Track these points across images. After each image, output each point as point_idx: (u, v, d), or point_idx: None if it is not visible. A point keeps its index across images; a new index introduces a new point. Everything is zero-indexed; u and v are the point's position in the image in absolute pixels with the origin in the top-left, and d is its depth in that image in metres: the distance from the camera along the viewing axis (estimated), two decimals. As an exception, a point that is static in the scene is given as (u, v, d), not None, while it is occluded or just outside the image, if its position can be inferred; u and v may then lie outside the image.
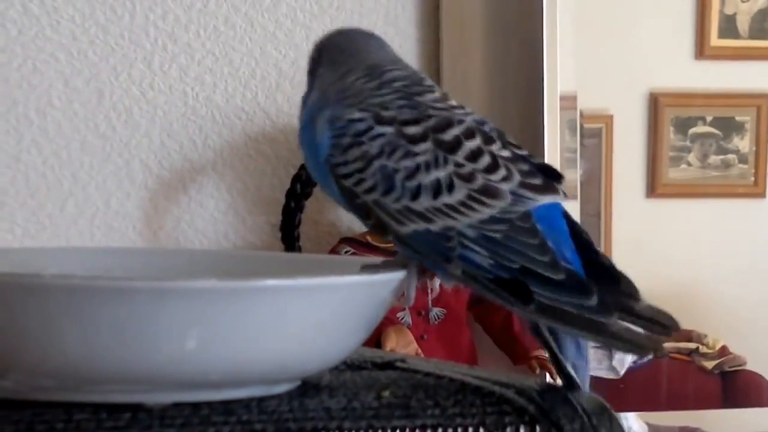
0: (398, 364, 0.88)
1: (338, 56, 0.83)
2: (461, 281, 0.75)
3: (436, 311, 1.59)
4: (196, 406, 0.71)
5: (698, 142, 2.16)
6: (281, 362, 0.72)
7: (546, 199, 0.75)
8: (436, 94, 0.80)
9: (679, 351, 2.03)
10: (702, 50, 2.16)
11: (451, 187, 0.75)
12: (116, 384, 0.69)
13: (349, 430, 0.71)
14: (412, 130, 0.76)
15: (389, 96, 0.79)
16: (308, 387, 0.78)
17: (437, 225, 0.75)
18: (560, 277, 0.73)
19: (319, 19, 1.47)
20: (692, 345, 2.04)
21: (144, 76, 1.45)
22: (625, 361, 1.83)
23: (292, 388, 0.77)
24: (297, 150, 1.48)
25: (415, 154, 0.76)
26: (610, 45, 2.03)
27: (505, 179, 0.75)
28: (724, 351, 2.02)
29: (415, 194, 0.76)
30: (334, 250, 1.52)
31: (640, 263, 2.11)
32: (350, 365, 0.85)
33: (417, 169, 0.76)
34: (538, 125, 1.39)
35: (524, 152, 0.78)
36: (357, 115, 0.77)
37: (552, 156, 1.36)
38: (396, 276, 0.75)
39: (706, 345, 2.00)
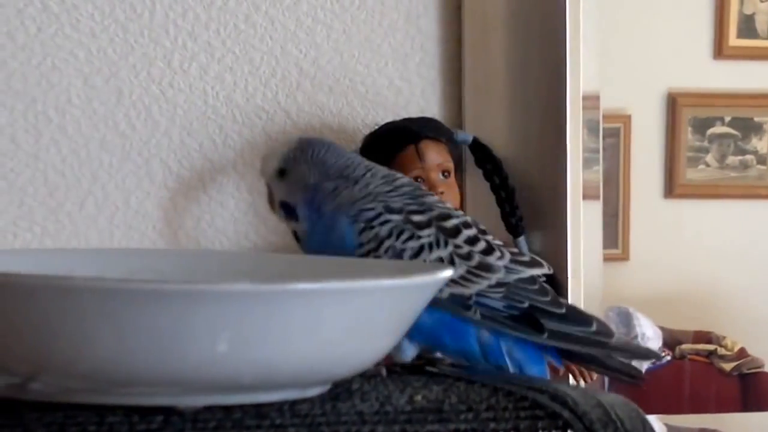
0: (428, 368, 0.87)
1: (314, 163, 0.99)
2: (481, 324, 0.90)
3: None
4: (227, 409, 0.71)
5: (716, 143, 2.15)
6: (313, 365, 0.71)
7: (533, 270, 0.93)
8: (436, 197, 0.97)
9: (697, 353, 2.02)
10: (720, 50, 2.15)
11: (452, 264, 0.90)
12: (148, 386, 0.69)
13: None
14: (417, 218, 0.92)
15: (399, 196, 0.94)
16: (339, 390, 0.78)
17: (446, 293, 0.89)
18: (562, 311, 0.91)
19: (340, 18, 1.46)
20: (711, 347, 2.03)
21: (164, 74, 1.44)
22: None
23: (323, 391, 0.77)
24: None
25: (420, 237, 0.91)
26: (628, 44, 2.02)
27: (498, 258, 0.92)
28: (742, 353, 2.01)
29: None
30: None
31: (657, 264, 2.10)
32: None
33: (421, 249, 0.91)
34: (561, 125, 1.37)
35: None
36: (368, 205, 0.93)
37: (574, 156, 1.35)
38: (431, 279, 0.74)
39: (725, 347, 1.99)
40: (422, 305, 0.75)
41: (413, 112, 1.46)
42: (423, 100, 1.48)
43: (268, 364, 0.69)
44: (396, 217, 0.93)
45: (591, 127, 1.38)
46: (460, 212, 0.97)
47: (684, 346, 2.00)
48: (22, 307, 0.65)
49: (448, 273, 0.75)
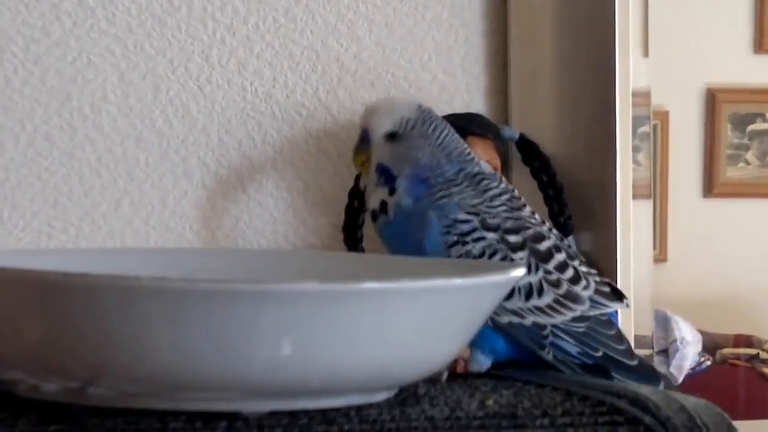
0: (494, 371, 0.85)
1: (429, 140, 0.98)
2: (552, 365, 0.90)
3: None
4: (292, 414, 0.69)
5: (757, 140, 2.11)
6: (382, 369, 0.69)
7: (615, 306, 0.94)
8: (528, 208, 0.98)
9: (738, 357, 1.99)
10: (761, 44, 2.11)
11: (540, 292, 0.90)
12: (212, 391, 0.67)
13: None
14: (512, 238, 0.92)
15: (499, 206, 0.95)
16: (406, 395, 0.76)
17: (528, 321, 0.88)
18: (634, 363, 0.91)
19: (382, 11, 1.44)
20: (752, 351, 1.99)
21: (201, 70, 1.42)
22: (683, 367, 1.79)
23: (389, 396, 0.74)
24: None
25: (512, 260, 0.90)
26: (664, 39, 1.98)
27: (584, 288, 0.92)
28: (786, 357, 1.98)
29: (509, 295, 0.87)
30: (397, 251, 1.49)
31: (696, 266, 2.06)
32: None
33: None
34: (610, 121, 1.34)
35: (592, 269, 0.96)
36: (462, 216, 0.92)
37: (624, 153, 1.32)
38: (504, 278, 0.72)
39: (767, 351, 1.95)
40: (494, 305, 0.72)
41: (458, 108, 1.43)
42: (467, 96, 1.45)
43: (336, 368, 0.67)
44: (491, 236, 0.91)
45: (641, 125, 1.35)
46: (549, 228, 0.97)
47: (725, 351, 1.96)
48: (84, 308, 0.63)
49: (520, 272, 0.72)
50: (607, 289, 0.94)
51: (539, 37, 1.41)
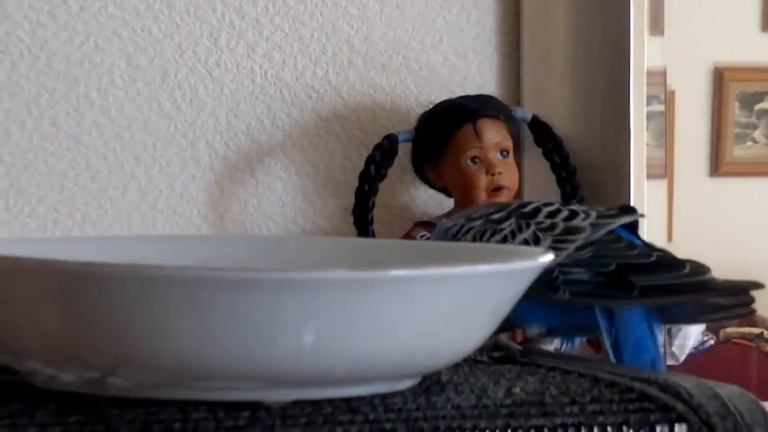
0: (519, 357, 0.83)
1: None
2: (570, 303, 0.88)
3: None
4: (315, 403, 0.68)
5: (765, 119, 2.10)
6: (409, 357, 0.68)
7: (623, 219, 0.90)
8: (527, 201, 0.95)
9: (742, 336, 1.98)
10: (769, 22, 2.10)
11: (537, 241, 0.89)
12: (234, 380, 0.66)
13: (484, 429, 0.66)
14: (496, 215, 0.92)
15: (484, 207, 0.94)
16: (430, 383, 0.74)
17: None
18: (652, 260, 0.87)
19: (392, -8, 1.43)
20: (756, 330, 1.98)
21: (210, 53, 1.42)
22: (685, 346, 1.78)
23: (414, 384, 0.73)
24: (370, 130, 1.44)
25: (501, 230, 0.91)
26: (672, 17, 1.96)
27: (584, 219, 0.90)
28: (790, 336, 1.97)
29: None
30: (408, 234, 1.48)
31: (701, 244, 2.06)
32: (466, 358, 0.81)
33: (504, 239, 0.91)
34: (624, 101, 1.33)
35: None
36: (450, 223, 0.94)
37: (638, 134, 1.31)
38: (533, 264, 0.70)
39: (771, 330, 1.94)
40: (521, 291, 0.71)
41: (469, 90, 1.43)
42: (479, 77, 1.44)
43: (361, 356, 0.66)
44: (477, 223, 0.92)
45: (648, 104, 1.34)
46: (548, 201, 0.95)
47: (728, 330, 1.96)
48: (105, 298, 0.61)
49: (548, 257, 0.70)
50: (613, 210, 0.92)
51: (552, 17, 1.40)
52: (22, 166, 1.40)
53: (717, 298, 0.90)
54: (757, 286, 0.89)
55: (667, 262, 0.88)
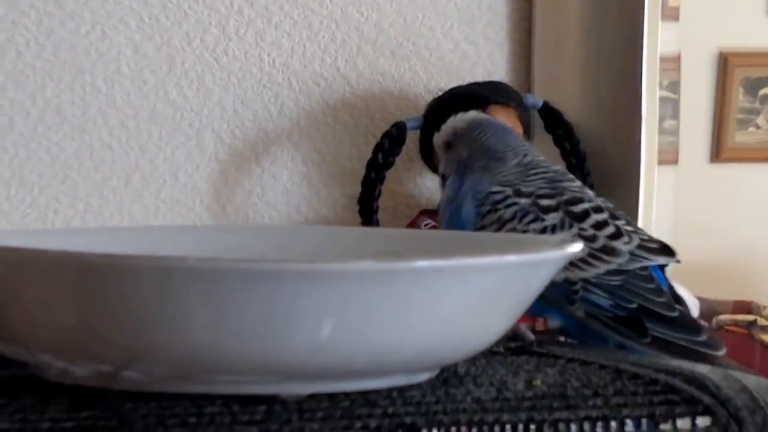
0: (535, 348, 0.82)
1: (490, 155, 0.97)
2: (583, 321, 0.88)
3: None
4: (332, 397, 0.66)
5: (768, 104, 2.08)
6: (430, 349, 0.66)
7: (661, 260, 0.89)
8: (578, 183, 0.94)
9: (736, 323, 1.97)
10: (775, 6, 2.08)
11: None
12: (249, 374, 0.64)
13: (507, 423, 0.65)
14: (545, 201, 0.90)
15: (537, 180, 0.93)
16: (447, 375, 0.73)
17: (560, 276, 0.86)
18: (674, 314, 0.87)
19: (402, -22, 1.42)
20: (750, 317, 1.97)
21: (218, 41, 1.40)
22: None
23: (431, 376, 0.71)
24: (378, 118, 1.42)
25: (544, 220, 0.89)
26: (681, 2, 1.95)
27: (625, 243, 0.89)
28: (784, 323, 1.95)
29: None
30: (413, 223, 1.46)
31: (701, 231, 2.04)
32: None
33: (544, 231, 0.90)
34: (637, 87, 1.32)
35: (647, 233, 0.92)
36: (496, 188, 0.92)
37: (650, 121, 1.30)
38: (560, 254, 0.69)
39: (766, 317, 1.93)
40: (546, 282, 0.69)
41: (480, 76, 1.42)
42: (490, 63, 1.43)
43: (382, 349, 0.64)
44: (524, 201, 0.91)
45: (670, 91, 1.33)
46: (600, 199, 0.94)
47: (722, 317, 1.95)
48: (122, 290, 0.60)
49: (577, 247, 0.69)
50: (655, 245, 0.91)
51: (565, 2, 1.39)
52: (26, 156, 1.39)
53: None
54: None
55: (686, 322, 0.88)
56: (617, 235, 0.90)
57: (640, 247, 0.89)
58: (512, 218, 0.90)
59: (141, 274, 0.58)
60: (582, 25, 1.38)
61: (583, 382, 0.70)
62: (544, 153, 1.40)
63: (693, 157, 2.09)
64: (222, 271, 0.58)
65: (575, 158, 1.37)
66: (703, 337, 0.87)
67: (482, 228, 0.91)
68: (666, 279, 0.91)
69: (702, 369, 0.69)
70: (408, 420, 0.64)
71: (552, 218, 0.90)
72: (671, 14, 1.32)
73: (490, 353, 0.81)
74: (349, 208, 1.41)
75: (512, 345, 0.84)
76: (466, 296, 0.64)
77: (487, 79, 1.41)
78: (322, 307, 0.61)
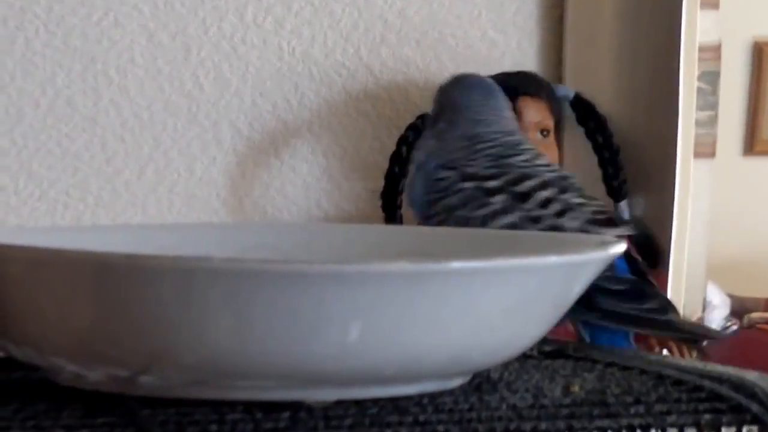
0: (570, 352, 0.79)
1: (451, 115, 1.00)
2: None
3: None
4: (360, 404, 0.64)
5: (805, 94, 2.06)
6: (463, 354, 0.64)
7: (611, 232, 0.89)
8: (526, 156, 0.96)
9: (767, 321, 1.96)
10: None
11: (521, 229, 0.90)
12: (274, 379, 0.62)
13: (545, 431, 0.62)
14: (491, 184, 0.92)
15: (479, 158, 0.95)
16: (480, 381, 0.70)
17: None
18: (621, 287, 0.89)
19: (427, -35, 1.40)
20: (781, 315, 1.96)
21: (236, 29, 1.39)
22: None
23: (464, 382, 0.69)
24: (402, 109, 1.42)
25: (490, 204, 0.91)
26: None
27: (573, 219, 0.90)
28: (817, 322, 1.94)
29: None
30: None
31: (733, 227, 2.02)
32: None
33: (492, 215, 0.91)
34: (674, 79, 1.30)
35: (600, 204, 0.94)
36: (442, 173, 0.94)
37: (687, 113, 1.28)
38: (604, 255, 0.66)
39: (798, 316, 1.92)
40: (587, 283, 0.67)
41: (508, 66, 1.40)
42: (519, 53, 1.42)
43: (413, 354, 0.63)
44: (468, 185, 0.93)
45: (708, 82, 1.30)
46: (552, 169, 0.95)
47: (753, 315, 1.94)
48: (143, 292, 0.58)
49: (620, 248, 0.67)
50: (603, 217, 0.92)
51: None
52: (35, 148, 1.38)
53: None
54: (710, 336, 0.96)
55: (634, 292, 0.89)
56: (564, 211, 0.91)
57: (589, 222, 0.90)
58: (459, 205, 0.92)
59: (162, 275, 0.56)
60: (617, 12, 1.36)
61: (624, 389, 0.68)
62: (575, 146, 1.40)
63: (726, 150, 2.07)
64: (248, 272, 0.56)
65: (608, 152, 1.36)
66: (650, 304, 0.88)
67: (434, 215, 0.94)
68: (632, 252, 0.92)
69: (750, 376, 0.67)
70: (441, 428, 0.62)
71: (497, 201, 0.91)
72: (711, 2, 1.29)
73: (523, 357, 0.79)
74: (372, 203, 1.40)
75: (547, 348, 0.82)
76: (504, 299, 0.62)
77: (516, 69, 1.39)
78: (350, 309, 0.59)
